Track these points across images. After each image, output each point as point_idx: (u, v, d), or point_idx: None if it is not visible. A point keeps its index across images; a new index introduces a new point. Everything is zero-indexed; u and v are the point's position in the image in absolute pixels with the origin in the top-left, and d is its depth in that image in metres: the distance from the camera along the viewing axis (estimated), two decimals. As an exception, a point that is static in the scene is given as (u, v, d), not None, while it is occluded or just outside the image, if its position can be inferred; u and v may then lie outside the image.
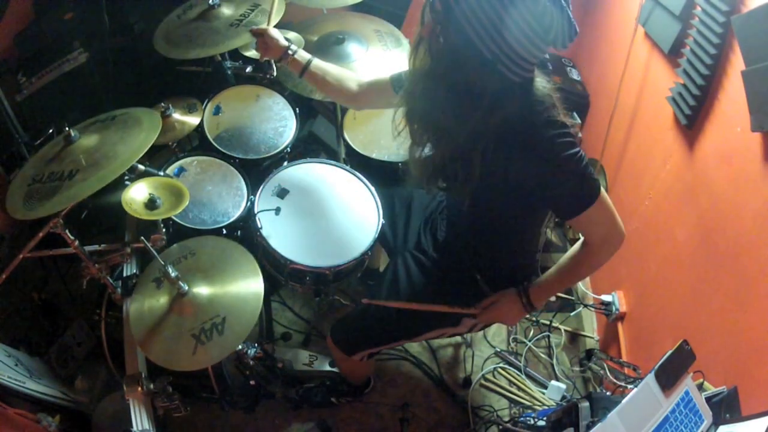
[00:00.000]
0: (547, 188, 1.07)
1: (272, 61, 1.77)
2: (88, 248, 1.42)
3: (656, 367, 1.09)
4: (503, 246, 1.32)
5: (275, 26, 1.50)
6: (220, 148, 1.72)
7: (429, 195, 1.59)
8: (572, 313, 2.12)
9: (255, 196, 1.57)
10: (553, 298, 2.17)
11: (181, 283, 1.30)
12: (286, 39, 1.44)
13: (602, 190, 1.08)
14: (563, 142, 1.02)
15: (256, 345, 1.51)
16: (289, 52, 1.42)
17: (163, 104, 1.66)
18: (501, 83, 0.96)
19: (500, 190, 1.11)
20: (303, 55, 1.42)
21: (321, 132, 2.27)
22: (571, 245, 2.31)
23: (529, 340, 2.06)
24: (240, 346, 1.43)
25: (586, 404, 1.19)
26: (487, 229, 1.30)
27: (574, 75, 2.45)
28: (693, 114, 1.45)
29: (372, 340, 1.47)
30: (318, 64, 1.42)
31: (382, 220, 1.57)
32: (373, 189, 1.64)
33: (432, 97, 1.04)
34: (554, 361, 2.02)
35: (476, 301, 1.35)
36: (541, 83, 1.05)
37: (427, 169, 1.16)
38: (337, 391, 1.84)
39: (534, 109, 1.02)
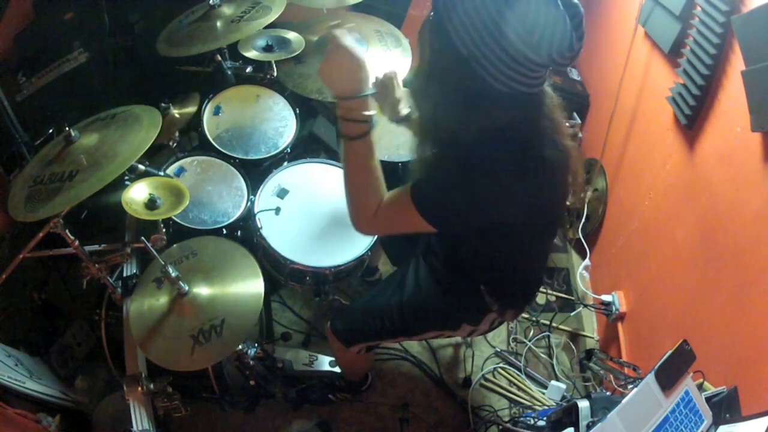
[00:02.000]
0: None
1: (272, 62, 1.77)
2: (88, 248, 1.42)
3: (656, 367, 1.09)
4: (504, 259, 1.26)
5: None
6: (220, 149, 1.72)
7: None
8: (572, 313, 2.12)
9: (255, 196, 1.57)
10: (552, 298, 2.17)
11: (181, 284, 1.30)
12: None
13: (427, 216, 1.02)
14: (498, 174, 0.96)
15: (256, 345, 1.51)
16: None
17: (163, 104, 1.66)
18: (482, 87, 0.92)
19: None
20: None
21: (321, 132, 2.26)
22: (571, 245, 2.33)
23: (529, 340, 2.06)
24: (240, 346, 1.43)
25: (586, 404, 1.19)
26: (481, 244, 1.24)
27: (574, 75, 2.45)
28: (693, 114, 1.45)
29: (371, 333, 1.46)
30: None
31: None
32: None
33: (428, 97, 1.04)
34: (554, 361, 2.02)
35: (480, 314, 1.33)
36: (550, 99, 1.02)
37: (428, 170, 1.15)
38: (335, 387, 1.84)
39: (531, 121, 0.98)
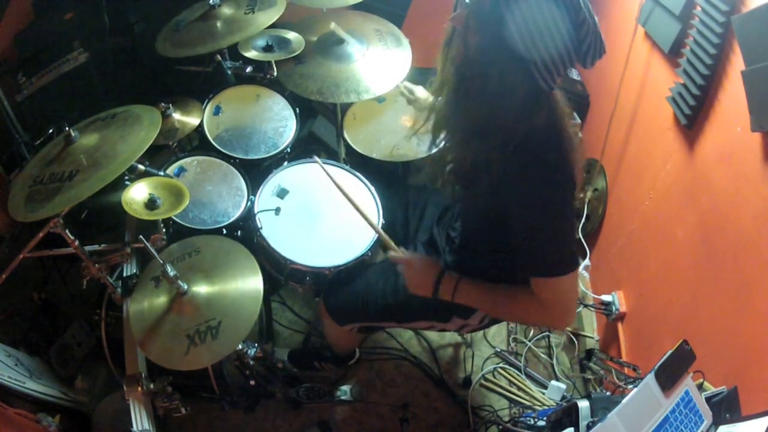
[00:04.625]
0: (525, 223, 1.06)
1: (272, 62, 1.77)
2: (88, 248, 1.42)
3: (656, 367, 1.09)
4: (508, 259, 1.26)
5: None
6: (220, 149, 1.72)
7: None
8: (572, 313, 2.12)
9: (255, 196, 1.57)
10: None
11: (180, 282, 1.30)
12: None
13: (578, 265, 1.09)
14: (558, 192, 1.04)
15: (256, 345, 1.51)
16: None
17: (163, 104, 1.66)
18: (529, 87, 0.96)
19: (504, 208, 1.10)
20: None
21: (321, 132, 2.27)
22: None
23: (529, 340, 2.06)
24: (240, 346, 1.42)
25: (586, 404, 1.18)
26: (494, 238, 1.27)
27: (574, 75, 2.45)
28: (693, 114, 1.45)
29: (362, 314, 1.48)
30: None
31: (382, 220, 1.57)
32: (373, 189, 1.64)
33: (464, 96, 1.05)
34: (554, 361, 2.02)
35: (471, 308, 1.35)
36: (561, 98, 1.06)
37: (443, 168, 1.18)
38: (321, 356, 1.84)
39: (554, 138, 1.03)
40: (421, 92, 1.63)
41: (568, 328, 2.09)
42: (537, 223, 1.05)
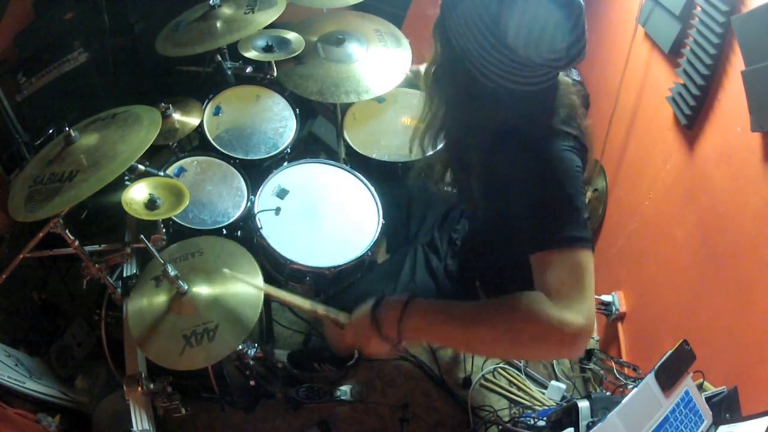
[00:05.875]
0: (529, 196, 0.92)
1: (272, 62, 1.77)
2: (88, 248, 1.42)
3: (656, 367, 1.09)
4: (509, 260, 1.23)
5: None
6: (220, 149, 1.72)
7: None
8: (572, 313, 2.12)
9: (255, 196, 1.57)
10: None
11: (180, 282, 1.30)
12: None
13: (590, 252, 0.88)
14: (565, 154, 0.94)
15: (255, 345, 1.51)
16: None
17: (163, 104, 1.66)
18: (494, 85, 0.94)
19: (498, 205, 1.08)
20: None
21: (321, 132, 2.27)
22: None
23: (529, 340, 2.06)
24: (240, 346, 1.42)
25: (586, 404, 1.18)
26: (494, 239, 1.25)
27: (574, 75, 2.44)
28: (693, 114, 1.45)
29: None
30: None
31: (382, 220, 1.57)
32: (373, 189, 1.64)
33: (442, 100, 1.06)
34: (554, 361, 2.02)
35: None
36: (565, 90, 1.03)
37: (436, 170, 1.17)
38: (321, 357, 1.84)
39: (541, 116, 0.98)
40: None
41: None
42: (540, 196, 0.92)
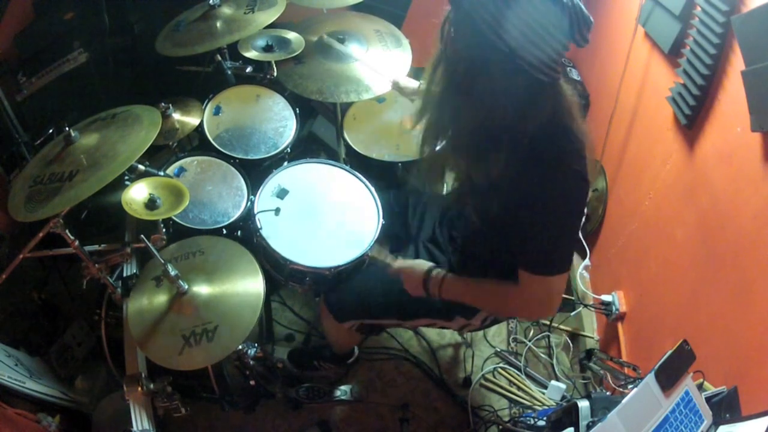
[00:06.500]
0: (547, 216, 1.04)
1: (272, 62, 1.77)
2: (88, 248, 1.42)
3: (656, 367, 1.09)
4: (508, 260, 1.24)
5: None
6: (220, 149, 1.72)
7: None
8: (572, 313, 2.12)
9: (255, 196, 1.57)
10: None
11: (180, 282, 1.30)
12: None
13: (571, 264, 1.10)
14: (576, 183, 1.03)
15: (255, 345, 1.51)
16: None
17: (163, 104, 1.66)
18: (527, 81, 0.94)
19: (508, 213, 1.09)
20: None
21: (321, 132, 2.27)
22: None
23: (529, 340, 2.06)
24: (240, 346, 1.42)
25: (586, 404, 1.18)
26: (495, 240, 1.25)
27: (574, 75, 2.45)
28: (693, 114, 1.45)
29: (363, 312, 1.48)
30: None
31: (382, 220, 1.57)
32: (373, 189, 1.64)
33: (454, 108, 1.04)
34: (554, 361, 2.02)
35: (474, 308, 1.36)
36: (568, 89, 1.04)
37: (443, 170, 1.20)
38: (320, 355, 1.84)
39: (563, 133, 1.02)
40: (408, 82, 1.68)
41: (568, 327, 2.10)
42: (542, 221, 1.04)
